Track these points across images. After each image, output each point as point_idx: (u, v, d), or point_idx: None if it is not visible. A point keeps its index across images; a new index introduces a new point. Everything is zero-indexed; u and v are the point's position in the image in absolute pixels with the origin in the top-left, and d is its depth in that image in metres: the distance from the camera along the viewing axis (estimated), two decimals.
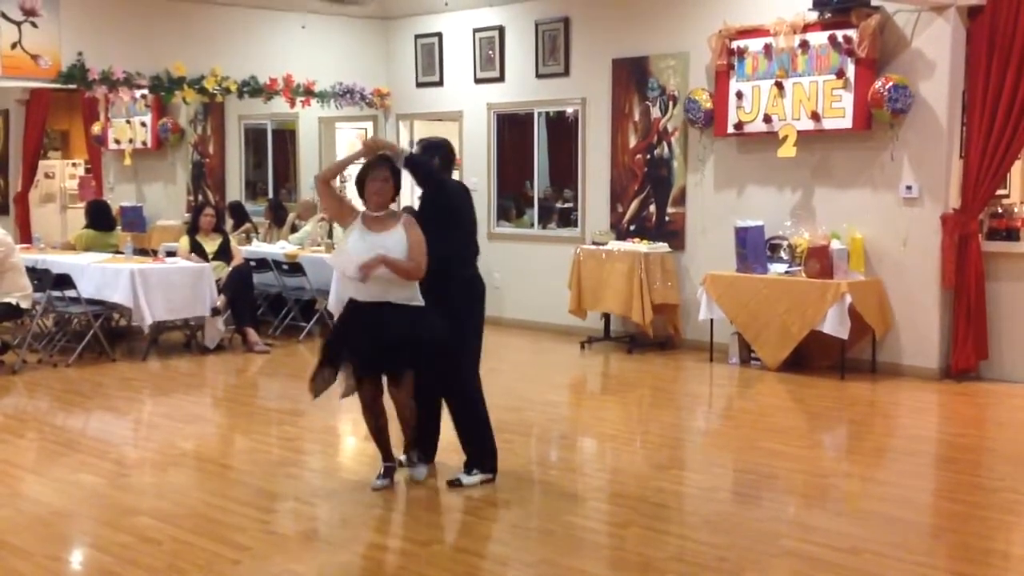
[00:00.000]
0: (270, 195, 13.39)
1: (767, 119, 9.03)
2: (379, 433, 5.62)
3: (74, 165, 17.50)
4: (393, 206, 5.61)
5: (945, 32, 8.23)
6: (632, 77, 10.14)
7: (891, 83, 8.24)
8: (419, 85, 12.04)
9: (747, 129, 9.20)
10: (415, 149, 6.14)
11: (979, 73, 8.13)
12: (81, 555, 4.95)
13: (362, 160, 5.67)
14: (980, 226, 8.35)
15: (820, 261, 8.45)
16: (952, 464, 6.39)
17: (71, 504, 5.47)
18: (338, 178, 6.05)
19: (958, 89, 8.28)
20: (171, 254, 10.24)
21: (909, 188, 8.47)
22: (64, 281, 9.14)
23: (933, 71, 8.28)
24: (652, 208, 10.10)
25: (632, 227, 10.20)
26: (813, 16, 8.74)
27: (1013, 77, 7.96)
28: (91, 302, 9.35)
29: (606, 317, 10.12)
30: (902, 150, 8.46)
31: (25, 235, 14.61)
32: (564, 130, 11.03)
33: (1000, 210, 8.48)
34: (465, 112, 11.65)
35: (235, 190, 13.56)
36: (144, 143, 14.13)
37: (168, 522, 5.11)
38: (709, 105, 9.35)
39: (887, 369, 8.62)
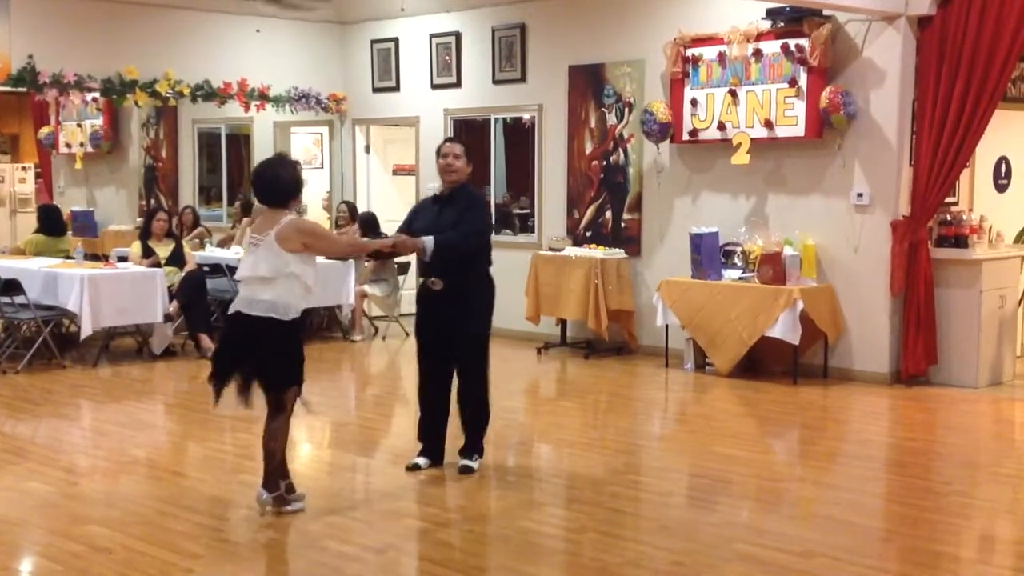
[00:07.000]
0: (224, 198, 13.29)
1: (721, 127, 9.10)
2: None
3: (24, 169, 17.23)
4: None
5: (895, 41, 8.35)
6: (588, 84, 10.18)
7: (843, 89, 8.36)
8: (376, 90, 12.00)
9: (702, 136, 9.27)
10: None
11: (928, 82, 8.25)
12: (31, 564, 4.88)
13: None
14: (929, 233, 8.47)
15: (773, 267, 8.53)
16: (902, 468, 6.47)
17: (21, 513, 5.39)
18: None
19: (908, 97, 8.40)
20: (123, 259, 10.12)
21: (860, 195, 8.58)
22: (13, 286, 8.99)
23: (883, 80, 8.39)
24: (608, 214, 10.14)
25: (588, 233, 10.23)
26: (766, 25, 8.83)
27: (962, 86, 8.08)
28: (41, 308, 9.22)
29: (563, 323, 10.14)
30: (853, 158, 8.58)
31: None
32: (521, 136, 11.03)
33: (949, 217, 8.61)
34: (422, 118, 11.63)
35: (188, 195, 13.44)
36: (96, 147, 13.97)
37: (119, 530, 5.05)
38: (666, 118, 9.32)
39: (839, 374, 8.71)
